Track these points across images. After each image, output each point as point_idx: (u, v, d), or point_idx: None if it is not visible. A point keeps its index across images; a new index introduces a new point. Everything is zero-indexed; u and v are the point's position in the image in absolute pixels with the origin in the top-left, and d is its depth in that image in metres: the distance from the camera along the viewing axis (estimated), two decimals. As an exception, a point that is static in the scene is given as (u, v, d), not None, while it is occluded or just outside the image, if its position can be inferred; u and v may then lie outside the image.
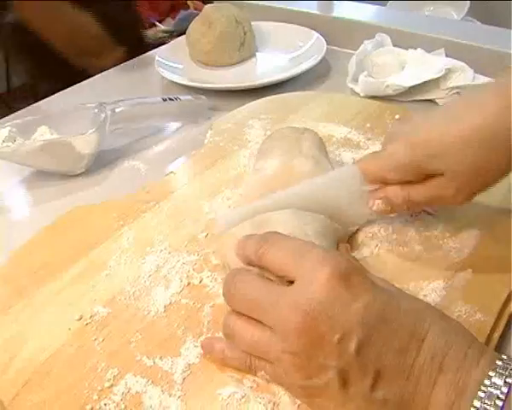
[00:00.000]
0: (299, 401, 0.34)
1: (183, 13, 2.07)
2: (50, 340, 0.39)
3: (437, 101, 0.69)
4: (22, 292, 0.44)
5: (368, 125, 0.63)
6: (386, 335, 0.28)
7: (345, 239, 0.44)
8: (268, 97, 0.71)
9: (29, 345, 0.39)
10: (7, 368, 0.38)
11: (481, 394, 0.26)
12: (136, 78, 0.87)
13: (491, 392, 0.26)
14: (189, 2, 2.44)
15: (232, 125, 0.65)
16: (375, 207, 0.43)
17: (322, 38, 0.85)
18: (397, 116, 0.63)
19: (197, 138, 0.64)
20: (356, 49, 0.78)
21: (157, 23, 2.16)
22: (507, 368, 0.26)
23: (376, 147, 0.59)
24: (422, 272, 0.42)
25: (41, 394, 0.36)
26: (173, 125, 0.70)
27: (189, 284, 0.43)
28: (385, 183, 0.42)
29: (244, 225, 0.41)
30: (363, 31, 0.84)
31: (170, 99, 0.68)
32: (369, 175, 0.42)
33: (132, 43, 1.04)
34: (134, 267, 0.45)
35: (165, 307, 0.41)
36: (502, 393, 0.25)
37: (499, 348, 0.37)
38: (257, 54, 0.88)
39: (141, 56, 0.93)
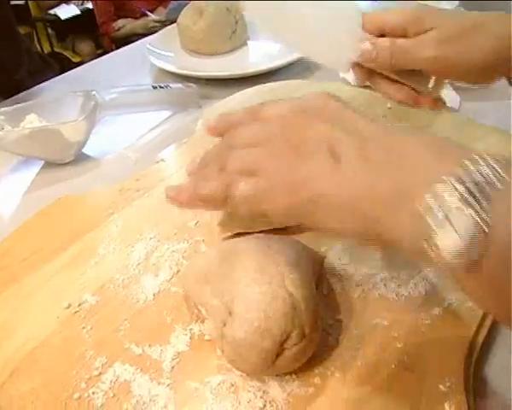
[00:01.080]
0: (288, 389, 0.33)
1: (174, 2, 2.06)
2: (39, 328, 0.39)
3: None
4: (11, 279, 0.43)
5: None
6: (364, 120, 0.29)
7: (320, 261, 0.42)
8: (259, 86, 0.69)
9: (17, 333, 0.39)
10: (-6, 356, 0.37)
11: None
12: (127, 66, 0.86)
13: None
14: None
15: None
16: (363, 46, 0.43)
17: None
18: (388, 104, 0.63)
19: (188, 127, 0.64)
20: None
21: (148, 13, 2.15)
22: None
23: None
24: (413, 262, 0.42)
25: (28, 383, 0.35)
26: (163, 114, 0.69)
27: (178, 271, 0.42)
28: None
29: (211, 254, 0.38)
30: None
31: (160, 87, 0.68)
32: (371, 18, 0.43)
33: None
34: (123, 255, 0.44)
35: (154, 295, 0.41)
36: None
37: (491, 333, 0.37)
38: (248, 42, 0.87)
39: (132, 45, 0.93)
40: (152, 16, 2.08)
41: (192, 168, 0.35)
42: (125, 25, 2.07)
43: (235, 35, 0.84)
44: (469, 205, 0.23)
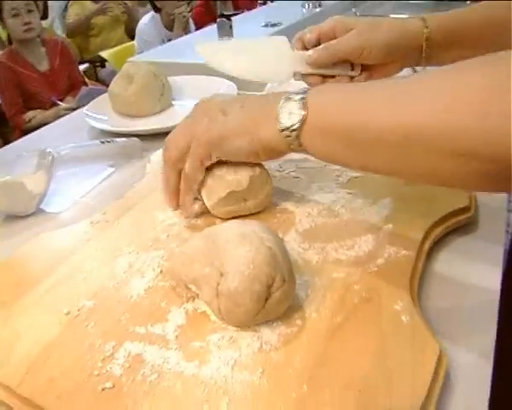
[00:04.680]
0: (277, 331, 0.41)
1: (84, 89, 2.16)
2: (43, 334, 0.43)
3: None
4: (3, 305, 0.47)
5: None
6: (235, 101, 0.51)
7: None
8: None
9: (22, 341, 0.43)
10: (6, 363, 0.41)
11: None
12: (69, 132, 0.93)
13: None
14: (87, 80, 2.53)
15: None
16: (308, 53, 0.61)
17: (233, 84, 0.97)
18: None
19: (136, 174, 0.72)
20: (259, 91, 0.90)
21: (58, 102, 2.22)
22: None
23: None
24: (353, 231, 0.52)
25: (46, 375, 0.39)
26: (112, 164, 0.77)
27: (161, 271, 0.49)
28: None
29: (194, 240, 0.47)
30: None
31: (107, 141, 0.75)
32: (311, 28, 0.62)
33: None
34: (108, 268, 0.50)
35: (145, 290, 0.47)
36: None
37: (426, 266, 0.48)
38: (174, 102, 0.99)
39: (68, 116, 1.02)
40: (62, 105, 2.16)
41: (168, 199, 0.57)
42: (35, 116, 2.11)
43: (163, 97, 0.95)
44: (295, 101, 0.44)
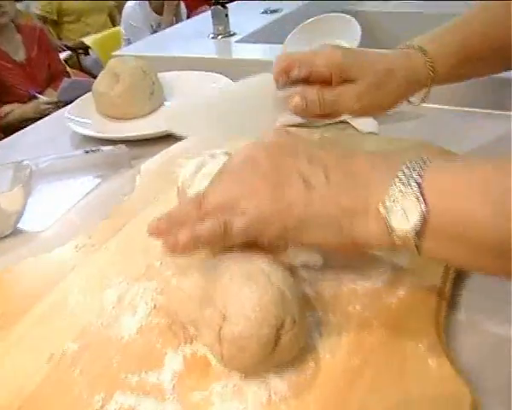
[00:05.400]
0: (287, 377, 0.40)
1: (66, 81, 2.13)
2: (23, 383, 0.42)
3: (348, 121, 0.80)
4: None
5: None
6: (326, 150, 0.42)
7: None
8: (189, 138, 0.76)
9: (1, 391, 0.41)
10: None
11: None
12: (49, 137, 0.91)
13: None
14: (69, 70, 2.50)
15: (159, 166, 0.73)
16: (293, 102, 0.55)
17: (230, 81, 0.94)
18: (316, 135, 0.73)
19: (125, 186, 0.70)
20: None
21: (37, 95, 2.20)
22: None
23: None
24: (369, 258, 0.50)
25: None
26: (98, 176, 0.75)
27: (155, 306, 0.48)
28: (305, 82, 0.55)
29: (193, 275, 0.47)
30: (267, 69, 0.95)
31: (92, 151, 0.74)
32: (301, 61, 0.54)
33: None
34: (95, 301, 0.49)
35: (137, 329, 0.46)
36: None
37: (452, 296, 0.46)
38: (165, 103, 0.96)
39: (49, 117, 1.00)
40: (42, 98, 2.13)
41: (157, 226, 0.44)
42: (12, 110, 2.09)
43: (153, 96, 0.93)
44: (409, 194, 0.35)
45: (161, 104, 0.95)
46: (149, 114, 0.92)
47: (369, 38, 1.23)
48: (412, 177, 0.35)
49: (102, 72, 0.93)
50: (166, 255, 0.50)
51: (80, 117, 0.90)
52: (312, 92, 0.55)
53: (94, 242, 0.58)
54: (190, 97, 0.58)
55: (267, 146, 0.43)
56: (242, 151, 0.44)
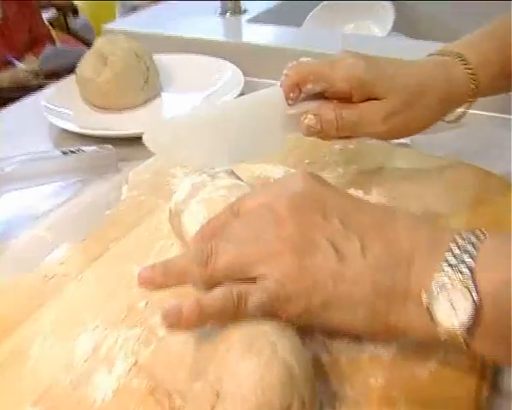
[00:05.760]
0: None
1: (50, 48, 2.09)
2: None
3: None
4: None
5: (306, 160, 0.70)
6: (362, 210, 0.40)
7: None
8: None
9: None
10: None
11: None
12: (22, 128, 0.88)
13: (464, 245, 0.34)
14: (53, 33, 2.46)
15: (151, 175, 0.69)
16: (306, 122, 0.53)
17: (238, 70, 0.92)
18: (337, 145, 0.70)
19: (110, 195, 0.67)
20: (276, 79, 0.86)
21: (15, 61, 2.16)
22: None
23: None
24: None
25: None
26: (78, 184, 0.72)
27: (136, 361, 0.45)
28: (320, 97, 0.53)
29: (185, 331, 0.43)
30: (282, 56, 0.90)
31: (71, 152, 0.71)
32: (316, 74, 0.52)
33: None
34: (64, 353, 0.46)
35: (113, 391, 0.43)
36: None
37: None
38: (163, 93, 0.94)
39: (22, 102, 0.96)
40: (21, 65, 2.10)
41: (151, 277, 0.42)
42: (-14, 79, 2.06)
43: (147, 85, 0.90)
44: (459, 282, 0.33)
45: (157, 94, 0.93)
46: (142, 105, 0.90)
47: (405, 24, 1.20)
48: (463, 260, 0.33)
49: (88, 53, 0.89)
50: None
51: (60, 106, 0.87)
52: (329, 111, 0.53)
53: (67, 270, 0.55)
54: (181, 114, 0.54)
55: (290, 196, 0.41)
56: (258, 195, 0.43)
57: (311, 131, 0.54)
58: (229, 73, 0.93)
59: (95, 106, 0.89)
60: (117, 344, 0.47)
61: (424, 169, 0.67)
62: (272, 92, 0.54)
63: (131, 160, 0.75)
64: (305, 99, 0.55)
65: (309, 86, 0.53)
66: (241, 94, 0.86)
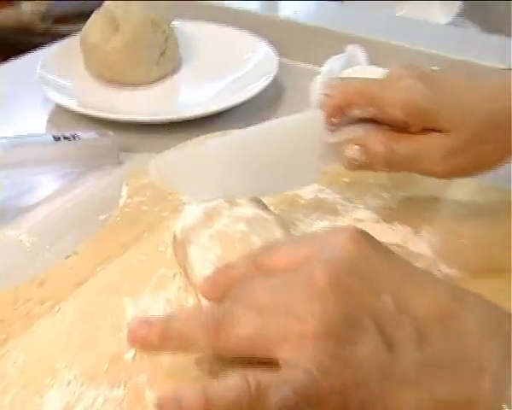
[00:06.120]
0: None
1: (61, -10, 2.04)
2: None
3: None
4: None
5: (345, 179, 0.64)
6: (424, 289, 0.35)
7: None
8: (202, 137, 0.70)
9: None
10: None
11: None
12: (15, 93, 0.85)
13: None
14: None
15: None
16: (349, 154, 0.50)
17: (270, 50, 0.88)
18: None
19: (106, 195, 0.64)
20: (316, 63, 0.82)
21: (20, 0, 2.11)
22: None
23: (360, 213, 0.60)
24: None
25: None
26: (70, 176, 0.68)
27: (116, 432, 0.40)
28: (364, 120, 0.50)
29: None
30: (322, 37, 0.89)
31: (65, 138, 0.67)
32: (364, 97, 0.49)
33: None
34: (28, 410, 0.41)
35: None
36: None
37: None
38: (182, 69, 0.90)
39: (14, 62, 0.93)
40: (26, 4, 2.05)
41: (144, 336, 0.38)
42: (-14, 18, 2.02)
43: (163, 58, 0.86)
44: None
45: (174, 70, 0.89)
46: (156, 82, 0.86)
47: (474, 9, 1.13)
48: None
49: (95, 13, 0.85)
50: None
51: (59, 75, 0.84)
52: (377, 141, 0.50)
53: (44, 295, 0.50)
54: (196, 141, 0.53)
55: (333, 262, 0.36)
56: (292, 250, 0.39)
57: (354, 165, 0.51)
58: (261, 53, 0.89)
59: (100, 77, 0.85)
60: (94, 407, 0.42)
61: (490, 206, 0.62)
62: (309, 116, 0.52)
63: (136, 151, 0.73)
64: (348, 124, 0.51)
65: (355, 111, 0.50)
66: (274, 80, 0.84)
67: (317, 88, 0.77)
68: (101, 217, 0.61)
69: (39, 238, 0.59)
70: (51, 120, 0.80)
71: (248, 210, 0.48)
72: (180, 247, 0.50)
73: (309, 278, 0.35)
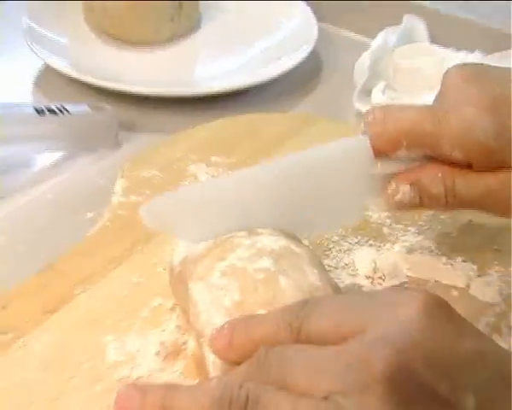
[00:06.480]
0: None
1: None
2: None
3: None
4: None
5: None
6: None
7: None
8: (222, 121, 0.68)
9: None
10: None
11: None
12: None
13: None
14: None
15: (159, 171, 0.62)
16: (398, 197, 0.46)
17: (309, 13, 0.84)
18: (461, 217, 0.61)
19: (98, 186, 0.61)
20: (365, 34, 0.80)
21: None
22: None
23: (411, 239, 0.56)
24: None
25: None
26: (54, 158, 0.65)
27: None
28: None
29: None
30: (380, 3, 0.84)
31: (50, 111, 0.63)
32: (413, 136, 0.46)
33: None
34: None
35: None
36: None
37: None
38: (201, 30, 0.87)
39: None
40: None
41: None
42: None
43: (179, 14, 0.82)
44: None
45: (192, 29, 0.85)
46: (169, 42, 0.83)
47: None
48: None
49: None
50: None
51: (51, 29, 0.80)
52: (435, 181, 0.47)
53: (6, 323, 0.47)
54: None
55: (396, 345, 0.31)
56: (339, 315, 0.35)
57: (401, 205, 0.48)
58: (298, 17, 0.85)
59: (101, 33, 0.83)
60: None
61: None
62: (353, 145, 0.49)
63: (140, 130, 0.70)
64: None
65: (403, 153, 0.47)
66: (312, 51, 0.80)
67: (364, 68, 0.74)
68: (89, 215, 0.58)
69: (8, 238, 0.56)
70: (37, 84, 0.77)
71: (273, 241, 0.44)
72: (179, 282, 0.45)
73: (363, 361, 0.31)
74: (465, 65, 0.50)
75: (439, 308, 0.33)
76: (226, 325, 0.38)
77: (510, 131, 0.45)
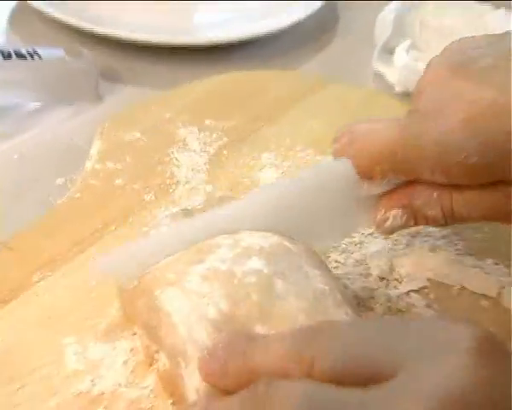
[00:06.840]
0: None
1: None
2: None
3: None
4: None
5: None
6: None
7: None
8: (219, 77, 0.65)
9: None
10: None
11: None
12: None
13: None
14: None
15: (143, 134, 0.58)
16: (388, 223, 0.45)
17: None
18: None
19: (71, 147, 0.58)
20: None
21: None
22: None
23: (433, 230, 0.52)
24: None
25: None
26: (21, 111, 0.62)
27: None
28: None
29: None
30: None
31: (19, 56, 0.60)
32: (387, 164, 0.44)
33: None
34: None
35: None
36: None
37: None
38: None
39: None
40: None
41: None
42: None
43: None
44: None
45: None
46: None
47: None
48: None
49: None
50: None
51: None
52: (429, 202, 0.44)
53: None
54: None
55: (438, 388, 0.28)
56: (360, 347, 0.31)
57: (397, 229, 0.46)
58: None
59: None
60: None
61: None
62: (336, 166, 0.47)
63: (124, 82, 0.66)
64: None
65: (378, 181, 0.45)
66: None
67: (387, 23, 0.73)
68: (59, 181, 0.54)
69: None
70: (9, 21, 0.74)
71: (261, 238, 0.40)
72: (137, 296, 0.40)
73: None
74: (451, 55, 0.44)
75: (493, 348, 0.29)
76: (220, 345, 0.34)
77: (500, 142, 0.41)
